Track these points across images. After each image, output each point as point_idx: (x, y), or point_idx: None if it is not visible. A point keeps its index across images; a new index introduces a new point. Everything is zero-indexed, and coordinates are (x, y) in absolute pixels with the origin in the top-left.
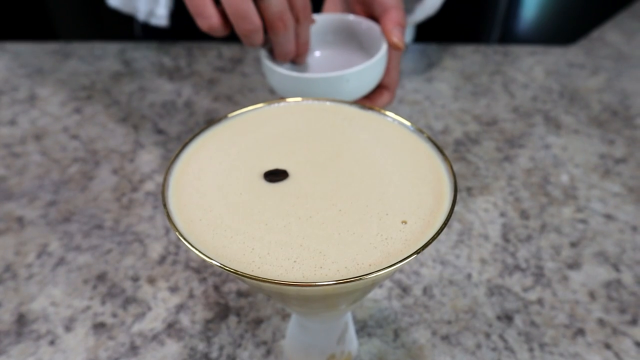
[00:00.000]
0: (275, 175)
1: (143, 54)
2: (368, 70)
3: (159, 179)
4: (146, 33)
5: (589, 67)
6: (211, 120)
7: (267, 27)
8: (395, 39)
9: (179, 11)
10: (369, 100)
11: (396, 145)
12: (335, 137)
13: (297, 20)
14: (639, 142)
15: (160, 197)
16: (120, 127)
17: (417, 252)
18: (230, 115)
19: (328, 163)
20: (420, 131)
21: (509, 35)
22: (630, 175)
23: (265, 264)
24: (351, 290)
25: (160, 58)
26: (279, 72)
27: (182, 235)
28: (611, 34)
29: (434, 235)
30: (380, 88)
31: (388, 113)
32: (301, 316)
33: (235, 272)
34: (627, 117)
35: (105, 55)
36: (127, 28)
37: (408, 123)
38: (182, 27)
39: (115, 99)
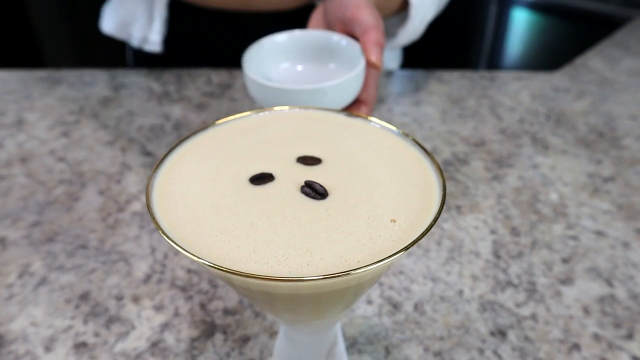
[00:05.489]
0: (261, 179)
1: (132, 80)
2: (345, 85)
3: None
4: (138, 61)
5: (574, 92)
6: (198, 128)
7: None
8: (374, 57)
9: (172, 38)
10: None
11: (383, 149)
12: (323, 142)
13: None
14: (626, 162)
15: (147, 215)
16: (107, 150)
17: (406, 248)
18: (217, 122)
19: (315, 166)
20: (406, 135)
21: (495, 63)
22: (619, 194)
23: (251, 261)
24: (339, 288)
25: (150, 84)
26: (259, 83)
27: (166, 235)
28: (594, 61)
29: (423, 232)
30: (358, 102)
31: (374, 119)
32: (289, 326)
33: (221, 268)
34: (613, 138)
35: (94, 82)
36: (118, 58)
37: (394, 128)
38: (174, 53)
39: (103, 123)
